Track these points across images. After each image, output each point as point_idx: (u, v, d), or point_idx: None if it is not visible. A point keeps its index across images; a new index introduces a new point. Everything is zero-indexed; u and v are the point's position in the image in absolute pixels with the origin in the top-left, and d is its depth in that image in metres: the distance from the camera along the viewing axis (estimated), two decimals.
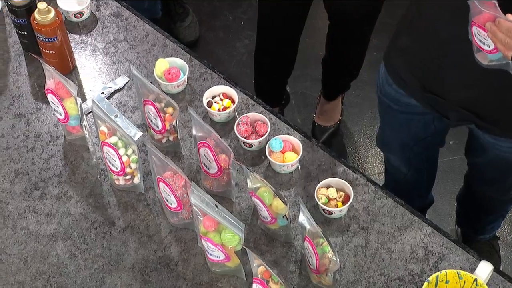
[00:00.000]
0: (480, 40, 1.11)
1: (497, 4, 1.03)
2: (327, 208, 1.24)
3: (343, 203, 1.25)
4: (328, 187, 1.27)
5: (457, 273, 1.10)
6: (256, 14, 2.01)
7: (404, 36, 1.34)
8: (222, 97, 1.41)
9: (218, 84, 1.45)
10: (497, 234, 1.94)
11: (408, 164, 1.63)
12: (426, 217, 1.38)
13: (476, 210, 1.76)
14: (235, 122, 1.37)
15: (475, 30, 1.10)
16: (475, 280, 1.09)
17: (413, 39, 1.31)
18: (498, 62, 1.11)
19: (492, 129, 1.32)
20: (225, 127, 1.40)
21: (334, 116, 2.29)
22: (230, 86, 1.43)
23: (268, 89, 2.19)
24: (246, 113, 1.38)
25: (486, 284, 1.10)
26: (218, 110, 1.39)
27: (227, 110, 1.39)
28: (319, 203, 1.25)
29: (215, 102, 1.40)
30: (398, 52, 1.38)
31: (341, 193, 1.27)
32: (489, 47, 1.10)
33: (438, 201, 1.97)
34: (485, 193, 1.63)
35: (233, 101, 1.40)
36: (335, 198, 1.26)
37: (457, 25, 1.14)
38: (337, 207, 1.25)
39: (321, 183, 1.27)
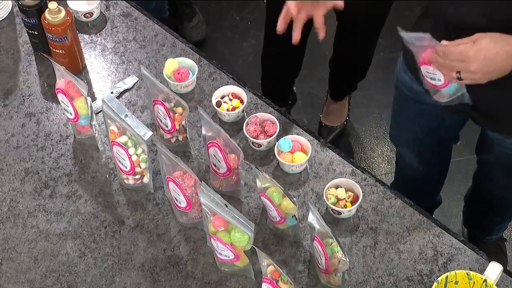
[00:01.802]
0: (431, 78, 1.19)
1: (431, 37, 1.11)
2: (336, 208, 1.25)
3: (352, 203, 1.26)
4: (337, 187, 1.28)
5: (467, 274, 1.10)
6: (263, 14, 2.01)
7: (420, 25, 1.34)
8: (231, 97, 1.41)
9: (227, 84, 1.46)
10: (504, 235, 1.94)
11: (419, 158, 1.63)
12: None
13: (484, 210, 1.76)
14: (243, 122, 1.37)
15: (423, 70, 1.18)
16: (485, 281, 1.09)
17: (426, 29, 1.32)
18: (455, 95, 1.19)
19: (489, 124, 1.32)
20: (234, 127, 1.41)
21: (340, 116, 2.29)
22: (239, 86, 1.44)
23: (275, 89, 2.20)
24: (255, 113, 1.39)
25: (496, 284, 1.10)
26: (227, 110, 1.40)
27: (236, 110, 1.39)
28: (328, 203, 1.25)
29: (224, 102, 1.41)
30: None
31: (350, 193, 1.27)
32: (440, 81, 1.18)
33: (445, 202, 1.97)
34: (492, 192, 1.63)
35: (241, 101, 1.41)
36: (344, 198, 1.26)
37: (465, 12, 1.15)
38: (346, 207, 1.25)
39: (330, 183, 1.28)
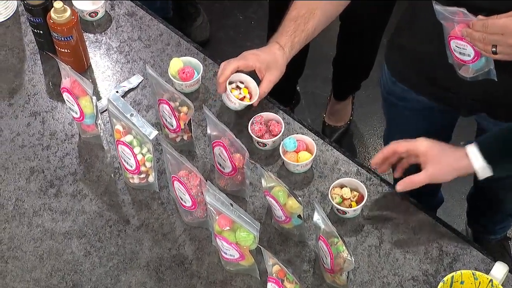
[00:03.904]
0: (460, 53, 1.18)
1: (466, 11, 1.11)
2: (341, 208, 1.25)
3: (357, 203, 1.26)
4: (342, 186, 1.28)
5: (473, 274, 1.10)
6: (267, 14, 2.02)
7: (405, 33, 1.35)
8: (239, 85, 1.38)
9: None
10: (508, 235, 1.94)
11: None
12: None
13: (486, 209, 1.76)
14: (247, 118, 1.37)
15: (453, 44, 1.17)
16: (491, 281, 1.09)
17: (413, 36, 1.32)
18: (481, 71, 1.18)
19: (506, 115, 1.31)
20: (238, 127, 1.41)
21: (344, 116, 2.29)
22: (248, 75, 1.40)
23: (279, 89, 2.19)
24: (260, 112, 1.39)
25: (501, 285, 1.10)
26: (236, 97, 1.35)
27: (244, 101, 1.36)
28: (333, 202, 1.25)
29: (234, 89, 1.38)
30: (400, 50, 1.39)
31: (355, 193, 1.27)
32: (470, 56, 1.17)
33: (448, 202, 1.97)
34: (493, 189, 1.63)
35: (249, 92, 1.38)
36: (349, 198, 1.26)
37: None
38: (351, 207, 1.25)
39: (335, 183, 1.28)
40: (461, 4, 1.11)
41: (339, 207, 1.25)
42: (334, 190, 1.27)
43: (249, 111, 1.41)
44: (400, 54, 1.39)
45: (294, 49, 1.38)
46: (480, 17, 1.10)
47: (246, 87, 1.40)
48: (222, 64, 1.37)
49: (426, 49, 1.29)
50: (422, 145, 1.21)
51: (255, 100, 1.37)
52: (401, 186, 1.22)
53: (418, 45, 1.31)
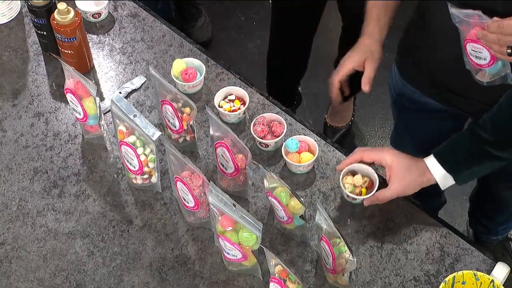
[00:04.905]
0: (476, 57, 1.17)
1: (481, 14, 1.10)
2: (352, 195, 1.26)
3: (367, 189, 1.27)
4: (353, 173, 1.28)
5: (474, 274, 1.10)
6: (268, 14, 2.02)
7: (417, 36, 1.35)
8: (233, 98, 1.42)
9: (234, 85, 1.46)
10: (509, 235, 1.94)
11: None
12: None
13: (490, 210, 1.76)
14: (250, 122, 1.38)
15: (469, 48, 1.16)
16: (492, 281, 1.09)
17: (426, 40, 1.32)
18: (498, 75, 1.17)
19: None
20: (240, 127, 1.41)
21: (345, 117, 2.30)
22: (246, 87, 1.44)
23: (280, 90, 2.20)
24: (262, 113, 1.40)
25: (503, 285, 1.11)
26: (229, 111, 1.40)
27: (238, 112, 1.39)
28: (345, 191, 1.26)
29: (226, 103, 1.41)
30: (411, 53, 1.39)
31: (366, 178, 1.28)
32: (486, 59, 1.16)
33: (449, 202, 1.97)
34: (500, 192, 1.63)
35: (243, 103, 1.41)
36: (360, 185, 1.27)
37: None
38: (361, 194, 1.27)
39: (345, 170, 1.28)
40: (476, 7, 1.10)
41: (349, 194, 1.26)
42: (346, 178, 1.28)
43: (250, 112, 1.42)
44: (411, 57, 1.39)
45: (383, 31, 1.41)
46: (495, 18, 1.09)
47: (237, 98, 1.41)
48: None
49: (439, 54, 1.29)
50: (388, 159, 1.24)
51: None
52: (367, 202, 1.26)
53: (431, 49, 1.31)
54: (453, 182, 1.22)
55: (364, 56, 1.40)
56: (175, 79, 1.45)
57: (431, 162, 1.22)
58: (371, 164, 1.29)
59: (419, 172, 1.22)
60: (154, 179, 1.32)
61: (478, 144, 1.19)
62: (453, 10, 1.14)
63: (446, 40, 1.23)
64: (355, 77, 2.18)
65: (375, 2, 1.40)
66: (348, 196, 1.27)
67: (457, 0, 1.13)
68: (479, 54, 1.16)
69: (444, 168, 1.21)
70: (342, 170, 1.29)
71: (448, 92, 1.34)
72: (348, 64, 1.41)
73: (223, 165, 1.29)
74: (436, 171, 1.21)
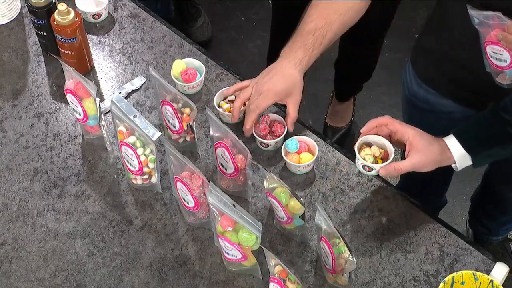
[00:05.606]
0: (496, 59, 1.16)
1: (501, 15, 1.08)
2: (370, 165, 1.24)
3: (383, 160, 1.25)
4: (369, 145, 1.27)
5: (473, 274, 1.11)
6: (268, 14, 2.03)
7: (435, 37, 1.34)
8: (233, 98, 1.42)
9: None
10: (508, 236, 1.95)
11: None
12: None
13: (492, 210, 1.76)
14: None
15: (489, 50, 1.15)
16: (491, 281, 1.10)
17: (444, 41, 1.31)
18: None
19: None
20: (241, 128, 1.41)
21: (345, 117, 2.30)
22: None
23: None
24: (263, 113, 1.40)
25: (502, 285, 1.11)
26: (229, 111, 1.40)
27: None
28: (363, 162, 1.24)
29: (226, 103, 1.41)
30: (428, 53, 1.38)
31: (381, 150, 1.26)
32: (506, 61, 1.15)
33: (449, 202, 1.98)
34: (504, 192, 1.63)
35: (243, 103, 1.41)
36: (378, 156, 1.26)
37: None
38: (377, 163, 1.25)
39: (359, 142, 1.25)
40: (496, 8, 1.09)
41: (366, 163, 1.24)
42: (363, 150, 1.26)
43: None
44: (428, 57, 1.38)
45: (310, 62, 1.34)
46: None
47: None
48: (247, 115, 1.33)
49: (457, 55, 1.28)
50: (410, 134, 1.21)
51: (288, 127, 1.37)
52: (384, 171, 1.22)
53: (449, 50, 1.30)
54: (470, 163, 1.19)
55: (286, 90, 1.31)
56: (175, 79, 1.46)
57: (451, 141, 1.20)
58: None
59: (440, 150, 1.20)
60: (154, 179, 1.32)
61: (499, 126, 1.17)
62: (473, 12, 1.12)
63: (466, 41, 1.22)
64: (355, 77, 2.20)
65: (316, 24, 1.29)
66: (364, 166, 1.25)
67: (477, 1, 1.11)
68: (499, 56, 1.15)
69: (464, 147, 1.18)
70: (367, 132, 1.25)
71: (464, 91, 1.33)
72: (272, 97, 1.31)
73: (223, 166, 1.29)
74: (456, 150, 1.19)
